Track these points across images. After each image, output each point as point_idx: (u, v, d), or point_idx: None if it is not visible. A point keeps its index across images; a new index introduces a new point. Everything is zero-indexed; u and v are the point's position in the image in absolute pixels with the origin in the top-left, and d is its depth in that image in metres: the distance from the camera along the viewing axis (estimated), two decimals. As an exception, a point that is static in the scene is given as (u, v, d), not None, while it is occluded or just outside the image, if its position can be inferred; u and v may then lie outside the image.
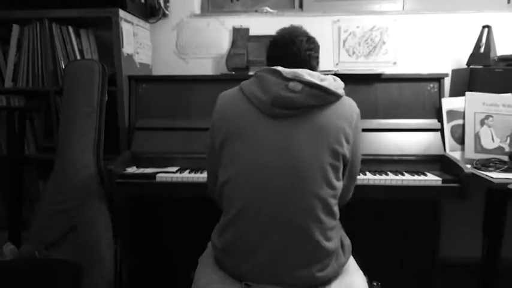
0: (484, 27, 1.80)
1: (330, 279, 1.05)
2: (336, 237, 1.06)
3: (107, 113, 1.75)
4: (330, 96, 1.02)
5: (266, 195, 0.99)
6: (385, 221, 1.85)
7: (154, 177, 1.59)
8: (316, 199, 0.97)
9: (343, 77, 1.80)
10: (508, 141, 1.67)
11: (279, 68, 1.03)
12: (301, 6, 2.18)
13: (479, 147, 1.68)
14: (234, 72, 2.03)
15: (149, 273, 1.98)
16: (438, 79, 1.77)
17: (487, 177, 1.45)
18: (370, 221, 1.84)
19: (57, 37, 1.80)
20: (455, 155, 1.70)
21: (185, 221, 1.89)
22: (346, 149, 1.01)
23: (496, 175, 1.48)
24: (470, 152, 1.68)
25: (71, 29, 1.81)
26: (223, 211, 1.08)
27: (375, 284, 1.21)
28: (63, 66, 1.80)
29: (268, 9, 2.10)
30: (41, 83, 1.83)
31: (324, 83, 1.01)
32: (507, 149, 1.65)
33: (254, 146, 1.00)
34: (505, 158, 1.62)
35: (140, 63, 1.98)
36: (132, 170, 1.69)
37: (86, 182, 1.65)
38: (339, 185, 1.03)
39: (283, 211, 0.98)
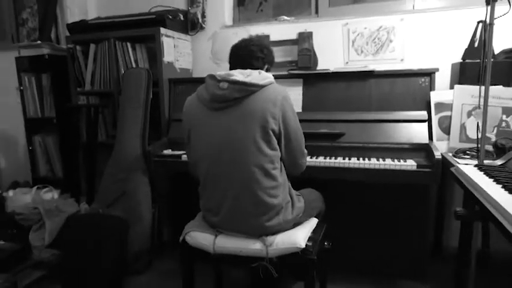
0: (479, 22, 1.85)
1: (278, 231, 1.37)
2: (281, 195, 1.35)
3: (152, 108, 2.27)
4: (252, 88, 1.31)
5: (220, 165, 1.35)
6: (378, 207, 2.02)
7: (180, 157, 2.06)
8: (252, 165, 1.30)
9: (338, 75, 2.05)
10: (495, 131, 1.73)
11: (216, 73, 1.37)
12: (317, 12, 2.45)
13: (464, 137, 1.77)
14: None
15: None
16: (429, 74, 1.89)
17: (454, 163, 1.57)
18: (364, 207, 2.03)
19: (119, 51, 2.38)
20: (442, 144, 1.81)
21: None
22: (273, 124, 1.30)
23: (466, 161, 1.59)
24: (455, 141, 1.78)
25: (128, 45, 2.38)
26: (199, 181, 1.46)
27: (326, 243, 1.45)
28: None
29: (285, 18, 2.41)
30: (109, 86, 2.45)
31: (247, 79, 1.31)
32: (493, 139, 1.71)
33: (206, 132, 1.37)
34: (489, 147, 1.68)
35: (180, 68, 2.47)
36: (167, 152, 2.18)
37: (134, 160, 2.19)
38: (273, 153, 1.32)
39: (233, 176, 1.33)
